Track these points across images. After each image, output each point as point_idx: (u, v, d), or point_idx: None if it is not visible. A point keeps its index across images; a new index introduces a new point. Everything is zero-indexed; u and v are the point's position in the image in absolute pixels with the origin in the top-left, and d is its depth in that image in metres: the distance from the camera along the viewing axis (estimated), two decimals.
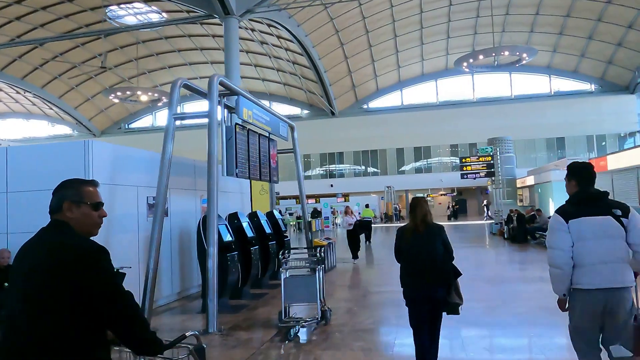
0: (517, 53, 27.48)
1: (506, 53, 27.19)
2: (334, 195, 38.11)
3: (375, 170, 41.75)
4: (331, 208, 31.51)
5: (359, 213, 18.51)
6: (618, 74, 36.65)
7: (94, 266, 1.74)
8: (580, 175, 3.32)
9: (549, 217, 14.49)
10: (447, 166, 40.15)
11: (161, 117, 46.41)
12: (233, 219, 7.40)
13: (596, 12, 31.39)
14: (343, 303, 7.44)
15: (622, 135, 37.90)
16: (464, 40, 35.89)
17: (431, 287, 4.04)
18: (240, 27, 31.66)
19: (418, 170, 40.84)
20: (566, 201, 3.45)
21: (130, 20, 32.14)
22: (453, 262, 4.28)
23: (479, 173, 20.79)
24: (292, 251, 6.52)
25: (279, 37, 33.24)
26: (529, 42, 33.92)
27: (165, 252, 7.15)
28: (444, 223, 30.35)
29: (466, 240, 18.73)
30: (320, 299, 5.90)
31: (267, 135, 8.12)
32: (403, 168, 41.04)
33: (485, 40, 33.25)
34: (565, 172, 3.53)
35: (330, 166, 42.68)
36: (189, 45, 37.15)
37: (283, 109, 43.09)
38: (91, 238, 1.86)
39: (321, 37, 32.79)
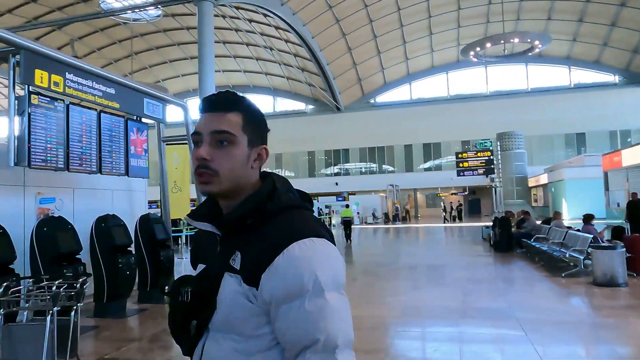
0: (529, 40, 25.34)
1: (516, 40, 25.13)
2: (339, 194, 36.46)
3: (384, 167, 39.88)
4: (325, 207, 29.92)
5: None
6: None
7: None
8: None
9: (544, 222, 12.56)
10: None
11: None
12: (100, 222, 5.91)
13: None
14: None
15: None
16: (475, 30, 33.69)
17: None
18: (239, 18, 30.62)
19: (427, 168, 38.80)
20: None
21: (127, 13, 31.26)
22: None
23: (476, 170, 18.86)
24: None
25: (277, 27, 31.81)
26: (546, 31, 31.48)
27: None
28: (441, 225, 28.56)
29: (440, 245, 16.91)
30: None
31: (122, 115, 6.38)
32: (411, 165, 39.05)
33: (499, 29, 31.00)
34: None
35: (335, 163, 40.97)
36: (189, 38, 36.07)
37: (287, 104, 41.74)
38: None
39: (320, 26, 31.16)
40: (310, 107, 41.03)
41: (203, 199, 1.22)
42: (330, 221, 27.97)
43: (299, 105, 41.52)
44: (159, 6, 27.58)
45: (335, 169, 40.88)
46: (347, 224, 17.97)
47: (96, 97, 5.67)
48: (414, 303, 6.82)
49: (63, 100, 5.53)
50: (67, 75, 5.48)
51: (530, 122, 34.77)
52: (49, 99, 5.37)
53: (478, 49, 25.91)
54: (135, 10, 29.68)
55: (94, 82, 5.72)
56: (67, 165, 5.58)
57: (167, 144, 7.74)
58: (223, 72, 39.55)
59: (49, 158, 5.31)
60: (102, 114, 6.16)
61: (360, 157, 40.34)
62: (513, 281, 8.78)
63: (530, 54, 27.57)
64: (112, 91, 5.93)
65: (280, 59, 36.30)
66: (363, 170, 40.23)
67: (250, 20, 31.03)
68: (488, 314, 5.92)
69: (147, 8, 30.55)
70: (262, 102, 42.33)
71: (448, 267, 10.48)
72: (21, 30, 29.69)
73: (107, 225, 5.93)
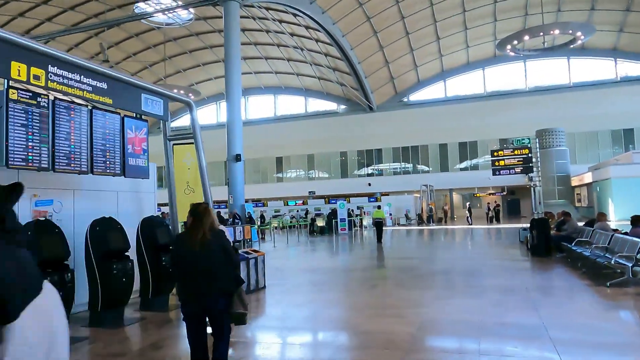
0: (571, 31, 24.00)
1: (556, 32, 23.84)
2: (372, 195, 35.75)
3: (419, 167, 38.86)
4: (357, 209, 29.26)
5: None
6: None
7: None
8: None
9: (587, 224, 11.58)
10: None
11: None
12: (95, 226, 5.63)
13: None
14: None
15: None
16: (513, 23, 32.32)
17: (209, 299, 3.69)
18: (268, 19, 30.49)
19: (463, 168, 37.54)
20: None
21: (159, 17, 31.74)
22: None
23: (513, 169, 17.84)
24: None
25: (307, 27, 31.52)
26: (589, 22, 29.80)
27: None
28: (483, 226, 27.38)
29: (472, 248, 16.01)
30: None
31: (118, 111, 5.98)
32: (447, 165, 37.88)
33: (538, 21, 29.57)
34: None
35: (368, 164, 40.25)
36: (221, 41, 36.28)
37: (319, 105, 41.38)
38: None
39: (351, 24, 30.67)
40: (342, 107, 40.51)
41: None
42: (361, 222, 27.35)
43: (331, 106, 41.09)
44: (189, 8, 27.80)
45: (369, 170, 40.19)
46: (378, 225, 17.99)
47: (85, 92, 5.38)
48: (434, 316, 6.22)
49: (47, 96, 5.24)
50: (50, 69, 5.20)
51: (573, 118, 33.07)
52: (31, 94, 5.10)
53: (515, 42, 24.76)
54: (167, 14, 30.11)
55: (82, 76, 5.42)
56: (52, 165, 5.31)
57: (174, 144, 7.45)
58: (255, 73, 39.63)
59: (30, 157, 5.04)
60: (94, 111, 5.86)
61: (393, 157, 39.48)
62: (549, 291, 7.99)
63: (572, 46, 26.17)
64: (104, 86, 5.62)
65: (311, 59, 36.01)
66: (397, 170, 39.36)
67: (280, 21, 30.86)
68: (516, 331, 5.26)
69: (178, 11, 30.94)
70: (294, 103, 42.18)
71: (477, 273, 9.77)
72: (60, 36, 30.66)
73: (102, 229, 5.67)
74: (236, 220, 16.51)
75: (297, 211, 32.81)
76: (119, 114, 6.12)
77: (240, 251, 7.21)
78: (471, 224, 27.98)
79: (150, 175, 6.81)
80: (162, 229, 6.50)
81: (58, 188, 6.12)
